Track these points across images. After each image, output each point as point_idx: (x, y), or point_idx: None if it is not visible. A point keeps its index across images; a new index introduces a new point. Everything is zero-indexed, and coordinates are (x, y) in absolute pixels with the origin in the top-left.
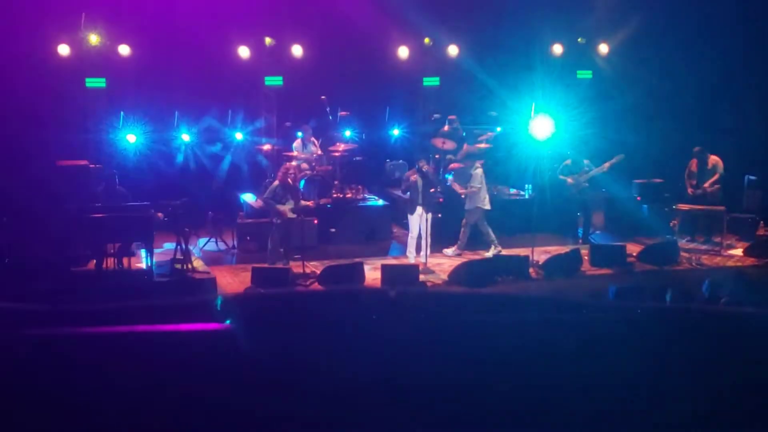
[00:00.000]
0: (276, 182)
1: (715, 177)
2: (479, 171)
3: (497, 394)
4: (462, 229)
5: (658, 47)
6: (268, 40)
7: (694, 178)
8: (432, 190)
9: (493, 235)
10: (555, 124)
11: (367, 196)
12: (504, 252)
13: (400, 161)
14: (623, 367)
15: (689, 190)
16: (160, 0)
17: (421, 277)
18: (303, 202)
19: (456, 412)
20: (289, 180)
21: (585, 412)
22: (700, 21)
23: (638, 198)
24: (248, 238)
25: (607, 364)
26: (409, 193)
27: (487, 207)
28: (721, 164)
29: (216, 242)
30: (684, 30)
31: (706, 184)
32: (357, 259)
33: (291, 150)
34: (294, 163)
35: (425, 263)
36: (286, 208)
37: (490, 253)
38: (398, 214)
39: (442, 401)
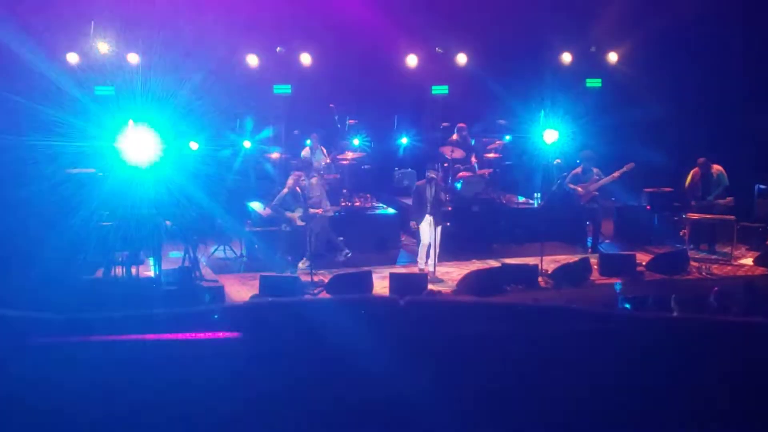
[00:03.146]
0: (285, 190)
1: (724, 190)
2: (315, 179)
3: (506, 403)
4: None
5: (667, 55)
6: (279, 49)
7: (698, 189)
8: (445, 198)
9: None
10: (564, 133)
11: (375, 204)
12: (513, 261)
13: (409, 169)
14: (633, 377)
15: (692, 203)
16: (168, 8)
17: (429, 285)
18: (311, 210)
19: (466, 421)
20: (298, 188)
21: (593, 421)
22: (708, 29)
23: (648, 207)
24: (256, 246)
25: (617, 373)
26: (417, 201)
27: (330, 214)
28: (725, 174)
29: (224, 250)
30: (692, 38)
31: (722, 201)
32: (365, 268)
33: (299, 158)
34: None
35: (434, 272)
36: (295, 215)
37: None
38: (407, 222)
39: (450, 411)
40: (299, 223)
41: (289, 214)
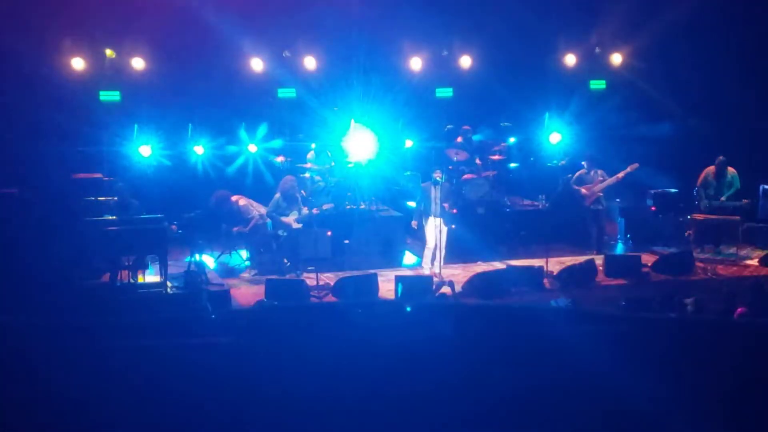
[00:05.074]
0: (277, 195)
1: (735, 192)
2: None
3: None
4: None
5: (672, 56)
6: (286, 53)
7: (711, 188)
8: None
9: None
10: (568, 135)
11: (380, 207)
12: (518, 263)
13: (414, 172)
14: (637, 376)
15: (704, 200)
16: (173, 13)
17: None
18: (305, 210)
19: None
20: (296, 192)
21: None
22: (714, 30)
23: (653, 208)
24: (261, 250)
25: (620, 372)
26: (422, 203)
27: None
28: (738, 176)
29: (230, 254)
30: (698, 38)
31: (737, 203)
32: (371, 271)
33: (304, 161)
34: (307, 174)
35: (439, 274)
36: (291, 219)
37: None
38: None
39: (455, 412)
40: (296, 225)
41: (284, 219)
